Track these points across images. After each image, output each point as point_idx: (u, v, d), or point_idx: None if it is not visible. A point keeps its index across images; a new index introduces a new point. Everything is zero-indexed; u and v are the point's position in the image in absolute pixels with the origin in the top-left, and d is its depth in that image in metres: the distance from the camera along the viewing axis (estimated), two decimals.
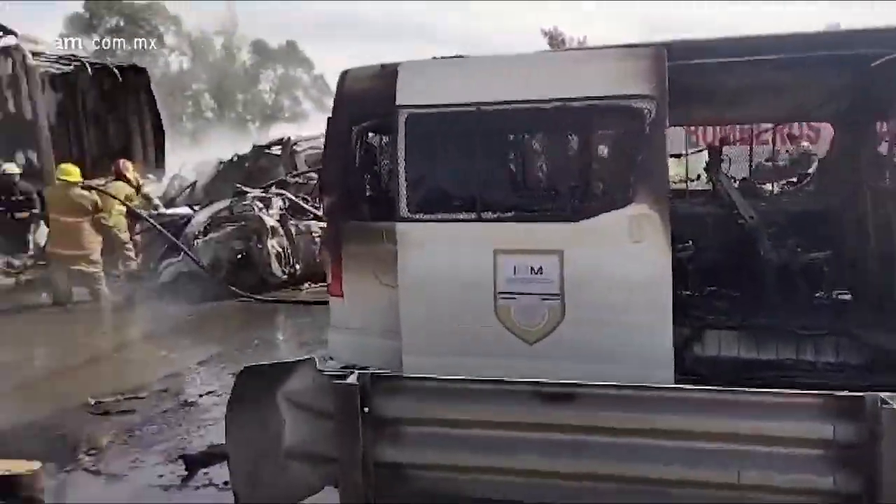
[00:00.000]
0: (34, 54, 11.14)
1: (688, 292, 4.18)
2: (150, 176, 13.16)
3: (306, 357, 2.86)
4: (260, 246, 9.10)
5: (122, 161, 10.16)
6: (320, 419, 2.86)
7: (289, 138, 11.80)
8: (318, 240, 9.81)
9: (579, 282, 3.27)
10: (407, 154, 3.41)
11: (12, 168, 10.55)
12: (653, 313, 3.20)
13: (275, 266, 9.14)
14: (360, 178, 3.86)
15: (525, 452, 2.63)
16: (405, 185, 3.45)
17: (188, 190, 12.16)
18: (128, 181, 9.79)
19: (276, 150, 11.85)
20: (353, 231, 3.82)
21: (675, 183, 5.30)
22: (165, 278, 9.19)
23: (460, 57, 3.53)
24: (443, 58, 3.51)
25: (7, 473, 3.25)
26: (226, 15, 44.87)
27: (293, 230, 9.53)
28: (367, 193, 3.95)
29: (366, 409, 2.74)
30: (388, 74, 3.46)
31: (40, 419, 4.73)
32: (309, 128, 16.06)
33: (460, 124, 3.36)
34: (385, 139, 3.72)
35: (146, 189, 10.50)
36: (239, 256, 9.25)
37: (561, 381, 2.62)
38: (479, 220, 3.42)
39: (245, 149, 12.70)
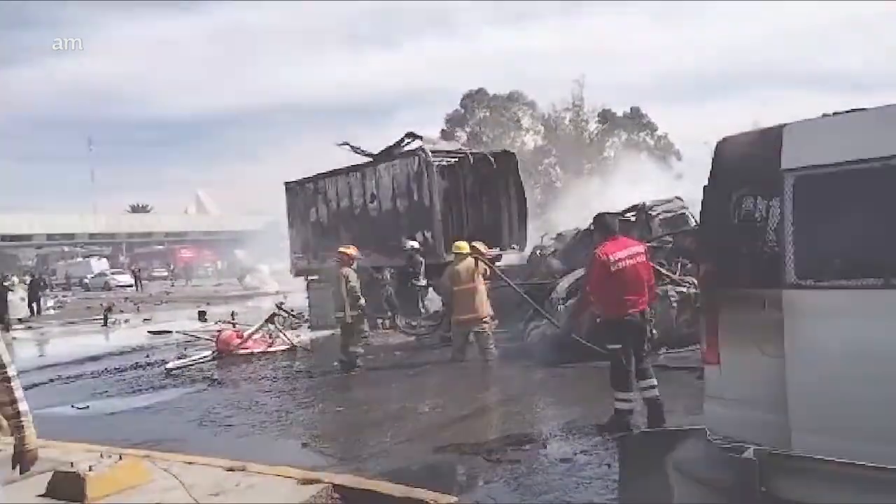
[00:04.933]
0: (433, 153, 13.63)
1: None
2: (514, 246, 14.68)
3: (697, 427, 2.88)
4: None
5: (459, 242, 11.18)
6: (708, 490, 2.84)
7: (643, 203, 11.94)
8: (674, 304, 9.63)
9: None
10: (795, 218, 3.24)
11: (414, 244, 13.01)
12: None
13: None
14: (737, 244, 3.77)
15: None
16: (792, 251, 3.28)
17: (550, 257, 13.10)
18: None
19: (631, 215, 12.07)
20: (731, 298, 3.72)
21: None
22: (532, 339, 10.02)
23: (859, 110, 3.25)
24: (834, 114, 3.28)
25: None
26: (576, 92, 47.88)
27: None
28: (746, 260, 3.83)
29: (762, 488, 2.63)
30: (769, 138, 3.37)
31: (445, 460, 5.53)
32: (650, 189, 16.05)
33: (861, 182, 3.07)
34: (767, 204, 3.59)
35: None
36: (597, 320, 9.55)
37: None
38: (889, 286, 3.04)
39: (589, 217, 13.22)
